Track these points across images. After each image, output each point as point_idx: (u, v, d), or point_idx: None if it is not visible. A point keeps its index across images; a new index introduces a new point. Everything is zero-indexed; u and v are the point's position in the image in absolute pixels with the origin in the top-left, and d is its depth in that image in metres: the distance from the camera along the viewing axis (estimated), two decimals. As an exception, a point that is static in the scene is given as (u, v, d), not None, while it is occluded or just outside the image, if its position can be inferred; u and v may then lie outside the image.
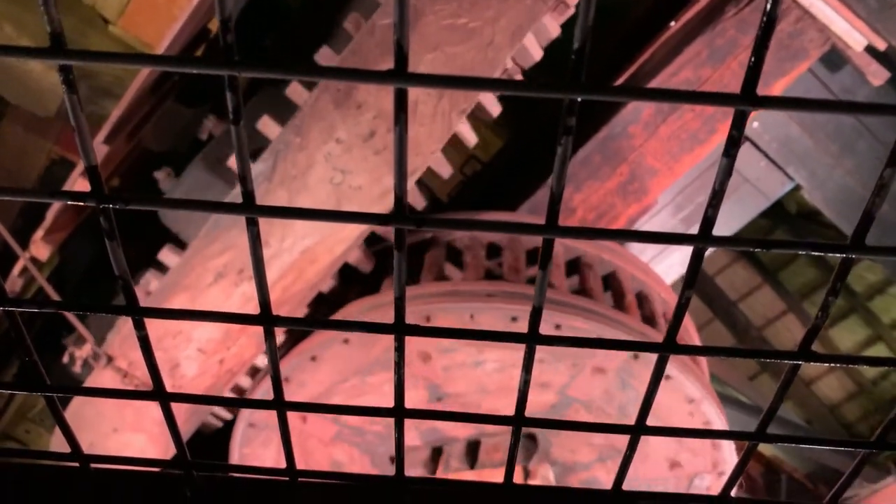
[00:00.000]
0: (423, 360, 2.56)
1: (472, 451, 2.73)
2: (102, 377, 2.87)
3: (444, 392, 2.66)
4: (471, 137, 2.71)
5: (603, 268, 3.05)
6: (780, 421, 5.84)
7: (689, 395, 2.52)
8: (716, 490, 2.80)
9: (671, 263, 3.98)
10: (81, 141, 0.38)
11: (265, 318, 0.46)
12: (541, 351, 2.49)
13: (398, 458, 0.61)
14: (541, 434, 2.76)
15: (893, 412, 0.51)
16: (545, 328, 2.43)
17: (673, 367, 2.46)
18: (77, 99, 0.37)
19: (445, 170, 2.75)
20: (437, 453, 2.78)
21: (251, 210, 0.41)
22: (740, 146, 0.40)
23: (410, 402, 2.69)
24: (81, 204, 0.41)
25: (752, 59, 0.35)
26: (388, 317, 2.52)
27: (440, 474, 2.66)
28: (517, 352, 2.51)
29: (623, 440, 0.57)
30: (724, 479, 2.71)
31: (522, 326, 2.47)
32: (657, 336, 2.64)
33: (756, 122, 3.74)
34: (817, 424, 7.27)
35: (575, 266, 3.02)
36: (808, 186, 3.91)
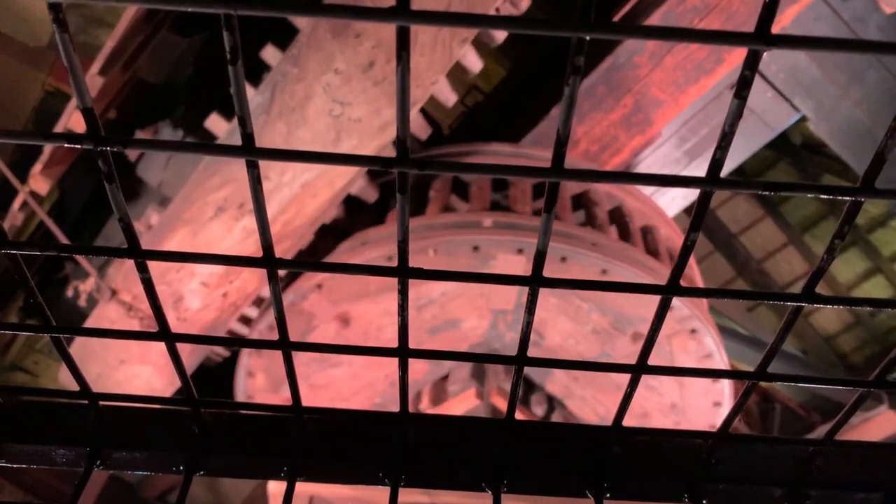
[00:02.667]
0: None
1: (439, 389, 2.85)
2: (107, 311, 2.90)
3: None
4: (476, 64, 2.66)
5: (642, 217, 3.07)
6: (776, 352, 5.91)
7: (692, 327, 2.57)
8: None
9: (673, 197, 3.97)
10: (75, 82, 0.37)
11: (268, 260, 0.46)
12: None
13: (402, 394, 0.62)
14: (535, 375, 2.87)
15: (893, 352, 0.51)
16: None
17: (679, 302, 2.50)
18: (69, 38, 0.36)
19: (450, 98, 2.72)
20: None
21: (251, 153, 0.40)
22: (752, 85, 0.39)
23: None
24: (78, 147, 0.40)
25: (769, -4, 0.33)
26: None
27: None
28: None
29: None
30: (721, 391, 2.78)
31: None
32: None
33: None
34: (813, 355, 7.37)
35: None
36: (815, 118, 3.86)
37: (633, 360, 0.54)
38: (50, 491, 4.75)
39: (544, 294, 2.59)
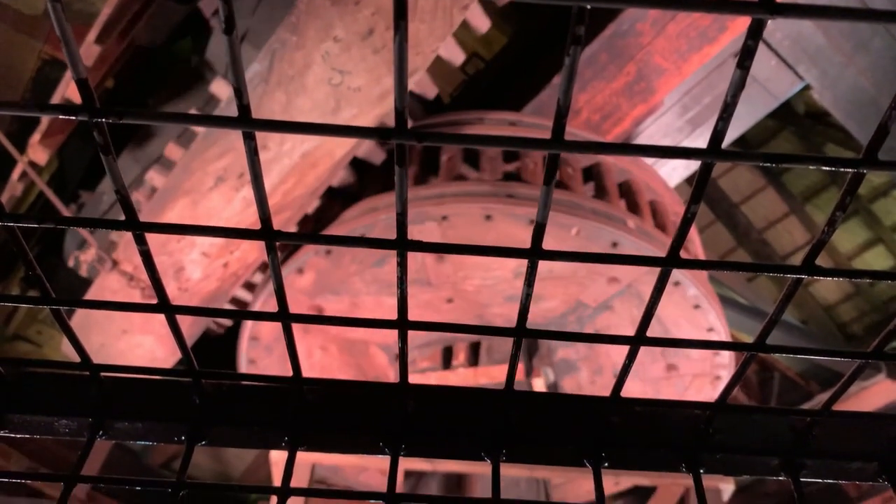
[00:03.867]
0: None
1: (475, 351, 2.82)
2: (109, 281, 2.91)
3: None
4: (483, 23, 2.63)
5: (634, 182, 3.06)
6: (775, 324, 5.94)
7: (694, 300, 2.57)
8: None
9: (675, 166, 3.95)
10: (69, 52, 0.37)
11: (266, 233, 0.46)
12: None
13: (402, 365, 0.62)
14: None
15: (892, 324, 0.51)
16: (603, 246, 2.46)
17: (679, 273, 2.51)
18: (61, 7, 0.35)
19: (456, 57, 2.70)
20: (447, 351, 2.86)
21: (247, 124, 0.40)
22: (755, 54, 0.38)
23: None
24: (73, 118, 0.40)
25: (774, -37, 0.32)
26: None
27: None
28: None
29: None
30: (721, 370, 2.81)
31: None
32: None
33: (768, 19, 3.62)
34: (812, 324, 7.40)
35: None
36: (819, 86, 3.82)
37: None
38: (56, 458, 4.81)
39: (627, 305, 2.63)
